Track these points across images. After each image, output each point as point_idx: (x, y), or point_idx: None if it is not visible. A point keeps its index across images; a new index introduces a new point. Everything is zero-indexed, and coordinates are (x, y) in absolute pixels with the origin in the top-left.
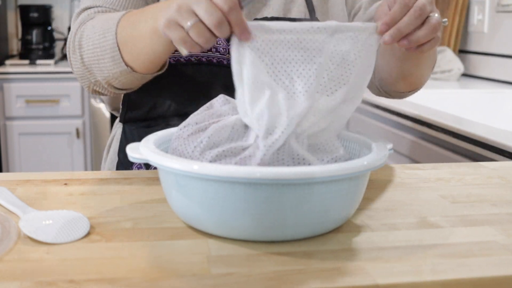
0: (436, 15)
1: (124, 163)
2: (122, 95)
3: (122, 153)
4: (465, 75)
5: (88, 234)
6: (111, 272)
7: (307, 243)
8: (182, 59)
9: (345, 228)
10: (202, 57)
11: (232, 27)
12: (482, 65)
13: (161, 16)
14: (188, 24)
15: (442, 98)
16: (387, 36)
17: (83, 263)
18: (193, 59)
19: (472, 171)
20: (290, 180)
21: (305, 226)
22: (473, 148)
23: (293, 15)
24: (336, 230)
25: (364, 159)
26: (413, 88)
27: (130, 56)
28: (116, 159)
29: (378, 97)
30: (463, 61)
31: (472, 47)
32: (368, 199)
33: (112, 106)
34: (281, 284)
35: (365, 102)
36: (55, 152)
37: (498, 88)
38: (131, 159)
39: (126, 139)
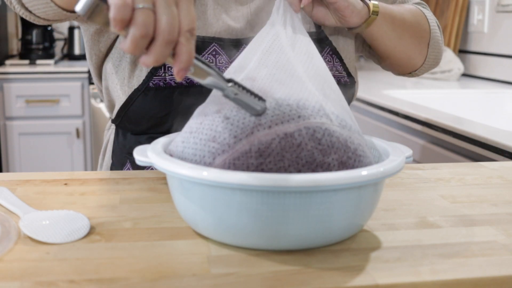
0: None
1: (116, 165)
2: (117, 110)
3: (115, 155)
4: (465, 75)
5: (88, 234)
6: (111, 272)
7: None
8: (184, 82)
9: None
10: None
11: (176, 54)
12: (482, 65)
13: None
14: (140, 5)
15: (442, 98)
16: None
17: (83, 263)
18: (195, 81)
19: (472, 171)
20: (294, 188)
21: (309, 236)
22: (473, 148)
23: None
24: None
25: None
26: (405, 70)
27: None
28: (111, 161)
29: (378, 97)
30: (463, 61)
31: (472, 47)
32: None
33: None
34: (281, 284)
35: (365, 102)
36: (55, 152)
37: (498, 88)
38: (138, 163)
39: (118, 142)
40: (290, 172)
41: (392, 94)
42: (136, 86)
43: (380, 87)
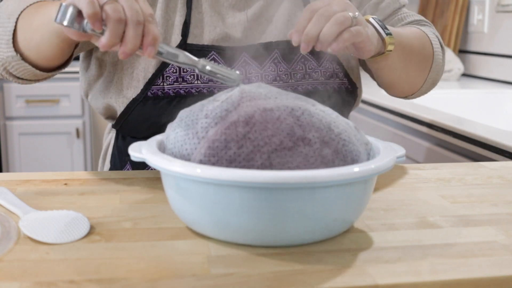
0: (348, 13)
1: (115, 168)
2: (116, 119)
3: (114, 158)
4: (465, 75)
5: (88, 234)
6: (110, 272)
7: (307, 243)
8: (182, 91)
9: None
10: (203, 88)
11: (144, 36)
12: (482, 65)
13: None
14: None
15: (442, 98)
16: (302, 44)
17: (83, 263)
18: (193, 90)
19: (472, 171)
20: (291, 184)
21: (306, 231)
22: (473, 148)
23: None
24: None
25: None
26: (404, 95)
27: (25, 42)
28: (109, 166)
29: (378, 97)
30: (463, 61)
31: (472, 47)
32: None
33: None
34: (281, 284)
35: (366, 102)
36: (55, 152)
37: (498, 88)
38: (133, 158)
39: (118, 145)
40: (274, 142)
41: None
42: (133, 96)
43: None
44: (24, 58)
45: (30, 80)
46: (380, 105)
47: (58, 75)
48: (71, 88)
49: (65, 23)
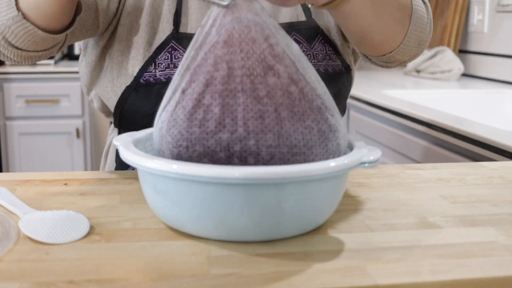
0: None
1: (120, 164)
2: (113, 111)
3: (118, 158)
4: (465, 75)
5: (87, 234)
6: (110, 272)
7: (307, 243)
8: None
9: (345, 228)
10: None
11: None
12: (482, 65)
13: None
14: None
15: (442, 98)
16: None
17: (83, 264)
18: None
19: (472, 171)
20: (287, 179)
21: (291, 224)
22: (473, 148)
23: (286, 17)
24: (336, 230)
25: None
26: (382, 51)
27: (25, 1)
28: (114, 165)
29: (378, 97)
30: (463, 61)
31: (472, 47)
32: (368, 199)
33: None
34: (281, 284)
35: (365, 102)
36: (55, 152)
37: (498, 88)
38: (125, 161)
39: None
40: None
41: (392, 94)
42: (127, 84)
43: (380, 87)
44: (25, 18)
45: (28, 51)
46: (380, 105)
47: (58, 75)
48: (71, 88)
49: None
